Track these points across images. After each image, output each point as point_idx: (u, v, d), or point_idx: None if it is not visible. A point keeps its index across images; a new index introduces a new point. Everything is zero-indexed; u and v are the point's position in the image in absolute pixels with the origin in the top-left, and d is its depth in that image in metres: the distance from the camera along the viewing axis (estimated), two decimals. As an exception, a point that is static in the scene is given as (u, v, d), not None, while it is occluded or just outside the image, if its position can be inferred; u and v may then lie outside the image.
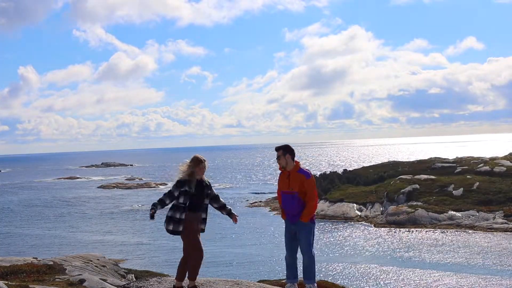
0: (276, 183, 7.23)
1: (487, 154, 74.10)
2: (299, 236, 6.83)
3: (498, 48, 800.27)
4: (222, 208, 6.88)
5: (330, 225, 45.64)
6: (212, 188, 6.87)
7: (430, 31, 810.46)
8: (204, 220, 6.79)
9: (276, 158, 6.93)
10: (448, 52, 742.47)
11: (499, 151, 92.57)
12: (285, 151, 6.84)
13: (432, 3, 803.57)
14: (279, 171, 7.07)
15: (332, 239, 39.54)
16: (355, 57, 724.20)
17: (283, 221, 7.07)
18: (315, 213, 6.90)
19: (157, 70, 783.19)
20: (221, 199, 6.92)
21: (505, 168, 50.53)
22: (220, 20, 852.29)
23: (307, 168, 7.03)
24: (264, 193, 75.03)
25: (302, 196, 6.74)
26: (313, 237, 6.88)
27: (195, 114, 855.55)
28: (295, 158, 6.94)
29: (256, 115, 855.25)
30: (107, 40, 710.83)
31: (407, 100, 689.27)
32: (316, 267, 6.93)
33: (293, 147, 6.93)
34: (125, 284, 7.68)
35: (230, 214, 6.87)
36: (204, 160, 6.73)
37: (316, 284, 6.85)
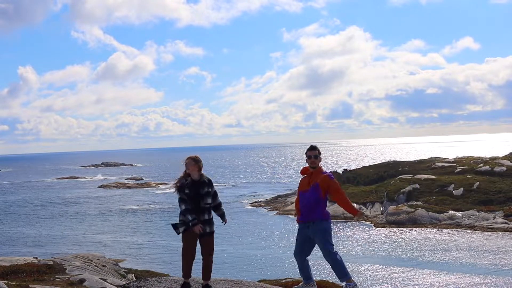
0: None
1: (486, 154, 74.12)
2: (315, 239, 6.83)
3: (494, 48, 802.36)
4: (217, 208, 6.89)
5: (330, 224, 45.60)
6: (213, 186, 6.78)
7: (427, 32, 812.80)
8: (206, 222, 6.67)
9: (313, 157, 6.93)
10: (445, 52, 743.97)
11: (495, 151, 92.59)
12: (319, 154, 6.99)
13: (429, 4, 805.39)
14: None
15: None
16: (353, 57, 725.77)
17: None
18: (329, 212, 6.93)
19: (155, 71, 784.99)
20: (218, 199, 6.86)
21: (505, 168, 50.54)
22: (218, 21, 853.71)
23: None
24: (264, 193, 75.08)
25: (322, 191, 6.78)
26: (330, 235, 6.83)
27: (195, 114, 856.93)
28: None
29: (255, 115, 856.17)
30: (105, 41, 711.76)
31: (406, 100, 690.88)
32: (323, 264, 6.93)
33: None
34: (125, 284, 7.68)
35: (222, 216, 6.95)
36: (188, 158, 6.75)
37: (349, 282, 6.70)
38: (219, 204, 6.87)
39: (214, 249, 6.88)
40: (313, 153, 6.95)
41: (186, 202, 6.58)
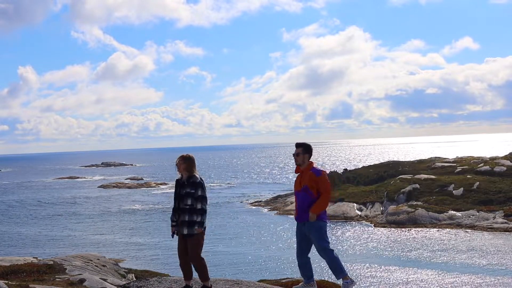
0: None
1: (486, 154, 74.14)
2: (310, 237, 6.83)
3: (494, 48, 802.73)
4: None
5: (330, 224, 45.64)
6: (199, 188, 6.48)
7: (427, 32, 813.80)
8: (184, 223, 6.46)
9: (295, 155, 6.98)
10: (445, 52, 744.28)
11: (495, 151, 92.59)
12: (305, 150, 6.95)
13: (428, 4, 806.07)
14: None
15: (332, 239, 39.55)
16: (353, 57, 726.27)
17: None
18: (325, 210, 6.82)
19: (155, 71, 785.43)
20: (198, 204, 6.45)
21: (505, 168, 50.55)
22: (218, 21, 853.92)
23: (320, 167, 7.08)
24: (264, 193, 75.08)
25: (314, 191, 6.76)
26: (326, 233, 6.82)
27: (194, 114, 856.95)
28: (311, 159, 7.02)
29: (255, 115, 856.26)
30: (105, 41, 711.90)
31: (406, 100, 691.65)
32: (323, 264, 6.86)
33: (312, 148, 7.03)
34: (125, 284, 7.68)
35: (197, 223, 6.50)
36: (179, 157, 6.69)
37: (346, 279, 6.70)
38: (199, 210, 6.43)
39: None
40: (296, 150, 6.99)
41: (174, 200, 6.69)
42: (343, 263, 6.83)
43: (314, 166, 6.95)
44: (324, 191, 6.76)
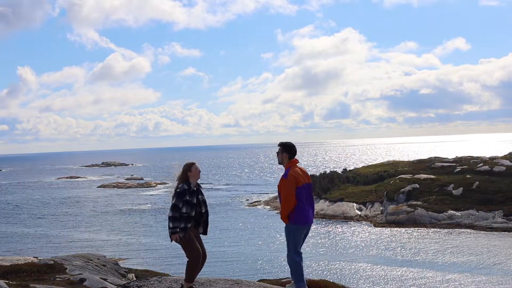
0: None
1: (486, 153, 74.25)
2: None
3: (485, 49, 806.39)
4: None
5: (330, 224, 45.70)
6: (174, 197, 6.67)
7: (419, 34, 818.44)
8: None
9: (276, 153, 6.96)
10: (437, 53, 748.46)
11: (493, 151, 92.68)
12: (283, 149, 6.85)
13: (420, 7, 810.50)
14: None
15: (331, 238, 39.60)
16: (348, 58, 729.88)
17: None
18: (299, 214, 6.58)
19: (153, 72, 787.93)
20: (169, 212, 6.67)
21: (504, 168, 50.58)
22: (214, 24, 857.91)
23: (302, 167, 6.89)
24: (264, 193, 75.08)
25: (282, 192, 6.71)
26: (293, 240, 6.63)
27: (193, 114, 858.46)
28: (296, 157, 6.89)
29: (253, 115, 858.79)
30: (102, 44, 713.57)
31: (402, 100, 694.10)
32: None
33: (294, 147, 6.92)
34: (125, 283, 7.72)
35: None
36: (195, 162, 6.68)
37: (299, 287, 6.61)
38: (168, 217, 6.64)
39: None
40: (278, 149, 6.93)
41: None
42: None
43: (291, 166, 6.72)
44: (282, 196, 6.59)
